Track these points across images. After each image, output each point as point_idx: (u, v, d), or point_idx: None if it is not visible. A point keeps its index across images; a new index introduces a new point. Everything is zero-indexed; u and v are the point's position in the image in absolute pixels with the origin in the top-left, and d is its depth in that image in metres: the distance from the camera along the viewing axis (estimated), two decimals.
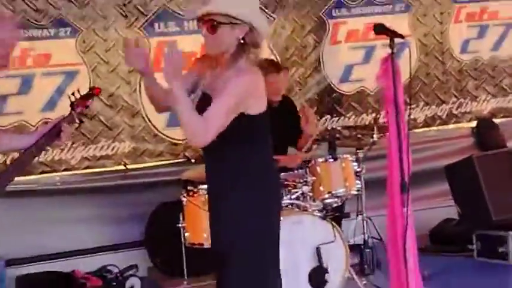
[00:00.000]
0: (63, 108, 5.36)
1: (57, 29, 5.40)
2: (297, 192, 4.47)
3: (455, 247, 5.35)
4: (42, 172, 5.49)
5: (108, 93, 5.53)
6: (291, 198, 4.47)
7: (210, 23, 2.80)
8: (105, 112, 5.56)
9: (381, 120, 6.15)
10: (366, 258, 4.79)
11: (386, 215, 3.26)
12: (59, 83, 5.42)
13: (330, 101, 6.22)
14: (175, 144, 5.74)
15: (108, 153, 5.62)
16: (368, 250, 4.81)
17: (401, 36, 3.06)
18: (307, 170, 4.56)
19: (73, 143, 5.50)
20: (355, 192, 4.67)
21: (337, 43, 6.23)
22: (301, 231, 4.19)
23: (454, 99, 6.59)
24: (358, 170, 4.71)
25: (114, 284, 5.10)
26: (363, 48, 6.26)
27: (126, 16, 5.55)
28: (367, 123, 6.29)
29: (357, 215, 4.99)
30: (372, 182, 5.06)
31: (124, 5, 5.53)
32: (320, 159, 4.61)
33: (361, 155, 4.86)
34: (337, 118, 6.25)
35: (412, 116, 6.30)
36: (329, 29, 6.16)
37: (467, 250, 5.26)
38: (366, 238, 4.88)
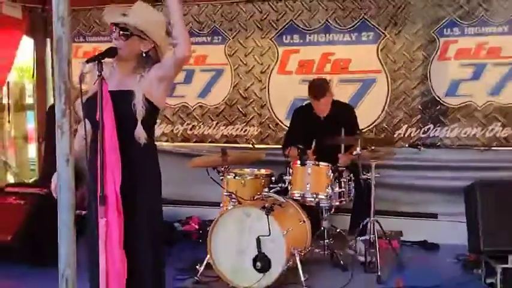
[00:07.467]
0: (216, 95, 7.31)
1: (212, 37, 7.25)
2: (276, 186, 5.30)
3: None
4: (195, 141, 7.41)
5: (244, 88, 7.21)
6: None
7: (123, 31, 3.12)
8: (241, 102, 7.23)
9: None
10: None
11: None
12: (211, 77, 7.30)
13: (434, 112, 6.59)
14: None
15: (241, 134, 7.25)
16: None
17: None
18: (288, 168, 5.36)
19: (217, 123, 7.30)
20: (323, 197, 5.20)
21: (446, 59, 6.47)
22: (249, 222, 4.78)
23: None
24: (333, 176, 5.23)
25: None
26: (473, 65, 6.41)
27: (261, 29, 7.11)
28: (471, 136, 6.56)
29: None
30: None
31: (261, 20, 7.10)
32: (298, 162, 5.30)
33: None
34: (439, 128, 6.62)
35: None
36: (439, 46, 6.47)
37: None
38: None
